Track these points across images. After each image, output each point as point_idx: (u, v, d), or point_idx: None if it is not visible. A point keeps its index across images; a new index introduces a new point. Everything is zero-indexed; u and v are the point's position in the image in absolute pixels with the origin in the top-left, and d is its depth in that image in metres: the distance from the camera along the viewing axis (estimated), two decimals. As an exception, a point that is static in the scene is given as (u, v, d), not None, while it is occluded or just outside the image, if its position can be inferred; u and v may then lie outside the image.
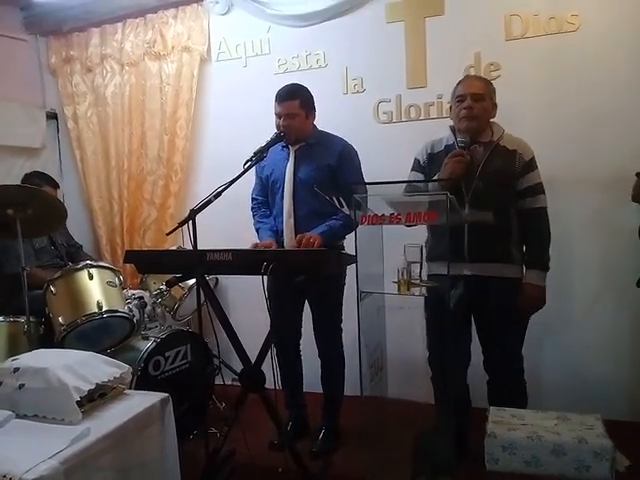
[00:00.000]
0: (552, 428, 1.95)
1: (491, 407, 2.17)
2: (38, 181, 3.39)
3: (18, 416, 1.82)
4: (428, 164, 2.51)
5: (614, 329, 3.00)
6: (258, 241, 2.79)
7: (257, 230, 2.90)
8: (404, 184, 2.40)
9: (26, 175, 3.54)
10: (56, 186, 3.54)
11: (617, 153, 2.86)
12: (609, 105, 2.90)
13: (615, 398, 2.95)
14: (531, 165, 2.40)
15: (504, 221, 2.37)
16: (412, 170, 2.58)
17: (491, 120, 2.47)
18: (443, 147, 2.50)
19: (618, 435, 1.91)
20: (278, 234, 2.82)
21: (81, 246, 3.79)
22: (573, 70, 2.96)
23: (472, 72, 3.12)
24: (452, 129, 2.50)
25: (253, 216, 2.98)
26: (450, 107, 2.53)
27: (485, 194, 2.32)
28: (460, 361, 2.48)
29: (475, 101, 2.38)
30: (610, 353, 3.00)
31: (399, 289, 2.13)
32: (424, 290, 2.15)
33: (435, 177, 2.40)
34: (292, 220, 2.76)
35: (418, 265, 2.16)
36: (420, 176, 2.52)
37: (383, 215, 2.05)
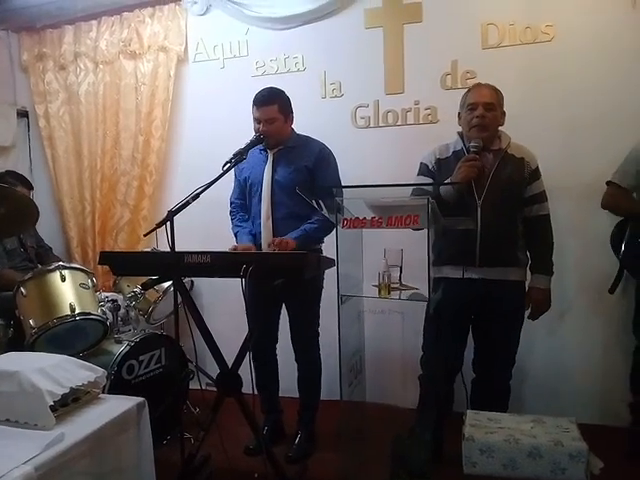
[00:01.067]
0: (528, 431, 1.98)
1: (468, 411, 2.19)
2: (12, 181, 3.33)
3: (-11, 421, 1.77)
4: (437, 169, 2.55)
5: (587, 334, 3.05)
6: (236, 244, 2.77)
7: (235, 234, 2.88)
8: (394, 188, 2.41)
9: (0, 174, 3.46)
10: (30, 187, 3.49)
11: (594, 160, 2.92)
12: (585, 113, 2.97)
13: (588, 402, 3.01)
14: (537, 173, 2.49)
15: (512, 226, 2.45)
16: (419, 174, 2.61)
17: (499, 128, 2.52)
18: (451, 153, 2.54)
19: (592, 438, 1.94)
20: (256, 237, 2.80)
21: (51, 248, 3.71)
22: (549, 79, 3.02)
23: (449, 80, 3.17)
24: (460, 135, 2.54)
25: (231, 220, 2.95)
26: (459, 114, 2.56)
27: (496, 200, 2.38)
28: (453, 363, 2.50)
29: (487, 110, 2.43)
30: (583, 358, 3.06)
31: (379, 292, 2.13)
32: (404, 294, 2.16)
33: (447, 181, 2.44)
34: (270, 222, 2.75)
35: (398, 269, 2.17)
36: (428, 180, 2.55)
37: (365, 218, 2.06)
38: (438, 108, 3.21)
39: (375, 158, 3.29)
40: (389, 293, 2.13)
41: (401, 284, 2.19)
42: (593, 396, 3.03)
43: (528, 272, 2.55)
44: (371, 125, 3.38)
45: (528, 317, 2.57)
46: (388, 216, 2.03)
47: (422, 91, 3.24)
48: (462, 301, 2.39)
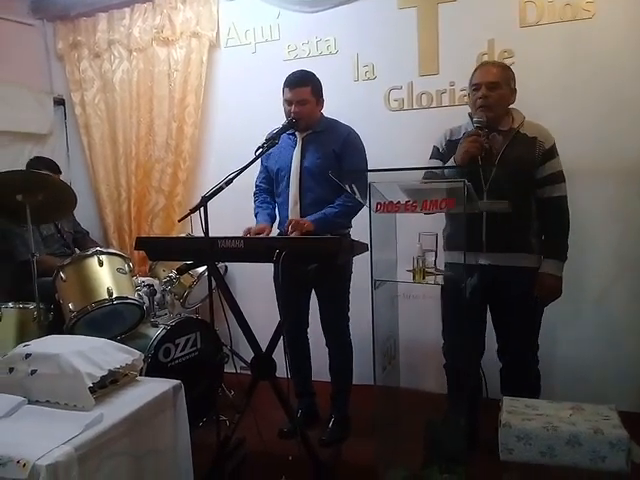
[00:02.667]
0: (567, 418, 1.94)
1: (504, 397, 2.15)
2: (40, 166, 3.37)
3: (30, 402, 1.82)
4: (447, 151, 2.49)
5: (627, 319, 2.97)
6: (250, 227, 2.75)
7: (255, 215, 2.88)
8: (421, 171, 2.37)
9: (35, 158, 3.54)
10: (59, 172, 3.52)
11: (635, 140, 2.82)
12: (626, 92, 2.86)
13: (628, 390, 2.93)
14: (552, 153, 2.38)
15: (523, 210, 2.36)
16: (431, 158, 2.56)
17: (511, 107, 2.44)
18: (462, 134, 2.46)
19: (632, 426, 1.89)
20: (281, 220, 2.81)
21: (87, 232, 3.78)
22: (589, 57, 2.93)
23: (485, 59, 3.08)
24: (470, 116, 2.47)
25: (254, 202, 2.96)
26: (468, 94, 2.50)
27: (504, 183, 2.30)
28: (475, 350, 2.46)
29: (490, 89, 2.35)
30: (622, 345, 2.98)
31: (414, 277, 2.10)
32: (439, 279, 2.12)
33: (450, 160, 2.38)
34: (298, 207, 2.74)
35: (433, 253, 2.14)
36: (439, 163, 2.49)
37: (398, 202, 2.02)
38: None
39: (409, 141, 3.24)
40: (424, 278, 2.10)
41: (436, 269, 2.15)
42: (633, 384, 2.95)
43: None
44: (405, 107, 3.33)
45: (537, 304, 2.45)
46: (423, 199, 1.99)
47: (457, 72, 3.16)
48: (474, 288, 2.28)
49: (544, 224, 2.42)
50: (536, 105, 2.85)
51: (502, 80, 2.38)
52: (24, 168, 3.32)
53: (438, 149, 2.54)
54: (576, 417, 1.94)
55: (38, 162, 3.46)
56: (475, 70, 2.47)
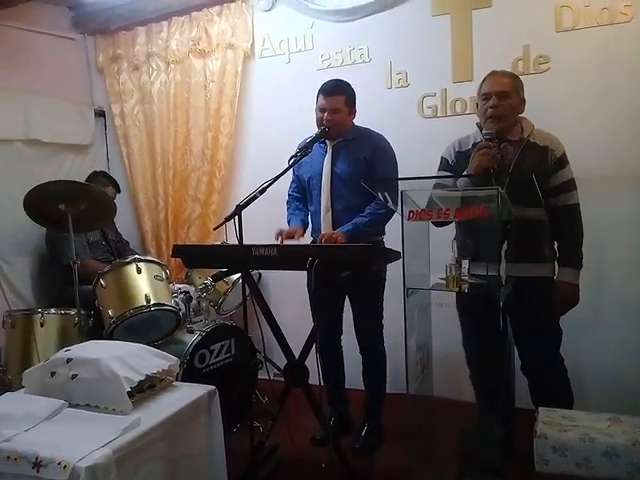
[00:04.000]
0: (605, 430, 1.90)
1: (540, 408, 2.12)
2: (104, 180, 3.59)
3: (71, 405, 1.87)
4: (457, 163, 2.47)
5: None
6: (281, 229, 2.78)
7: (288, 222, 2.92)
8: (433, 181, 2.36)
9: (94, 172, 3.71)
10: (118, 190, 3.69)
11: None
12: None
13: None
14: (563, 161, 2.35)
15: (537, 220, 2.33)
16: (440, 169, 2.54)
17: (520, 116, 2.41)
18: (471, 145, 2.44)
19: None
20: (314, 228, 2.84)
21: (128, 242, 3.90)
22: (626, 62, 2.86)
23: (520, 65, 3.06)
24: (479, 126, 2.45)
25: (287, 210, 3.00)
26: (477, 104, 2.48)
27: (518, 192, 2.25)
28: (499, 360, 2.42)
29: (500, 99, 2.33)
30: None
31: (447, 285, 2.10)
32: (465, 287, 2.11)
33: (464, 173, 2.35)
34: (329, 215, 2.76)
35: (467, 261, 2.12)
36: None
37: (431, 210, 2.02)
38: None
39: (442, 148, 3.19)
40: (456, 286, 2.09)
41: (470, 276, 2.14)
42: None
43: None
44: (438, 114, 3.32)
45: (554, 313, 2.41)
46: (456, 207, 1.99)
47: (492, 78, 3.14)
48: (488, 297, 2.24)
49: (558, 232, 2.40)
50: (571, 110, 2.82)
51: (512, 90, 2.36)
52: (68, 178, 3.43)
53: (447, 161, 2.52)
54: (614, 429, 1.90)
55: (101, 175, 3.67)
56: (484, 80, 2.45)
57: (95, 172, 3.72)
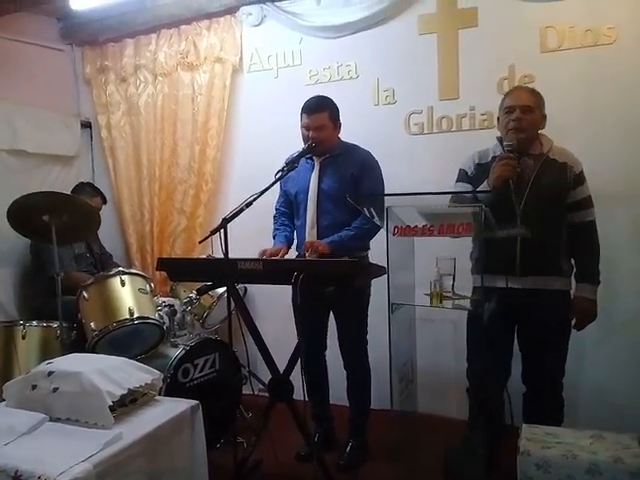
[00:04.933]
0: (587, 447, 1.91)
1: (524, 424, 2.13)
2: (91, 191, 3.59)
3: (51, 419, 1.85)
4: (476, 175, 2.48)
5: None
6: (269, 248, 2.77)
7: (273, 237, 2.92)
8: (438, 196, 2.37)
9: (81, 183, 3.70)
10: (105, 201, 3.70)
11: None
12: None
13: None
14: (581, 178, 2.40)
15: (555, 234, 2.37)
16: (458, 181, 2.55)
17: (540, 132, 2.45)
18: (490, 158, 2.47)
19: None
20: (299, 243, 2.84)
21: (111, 255, 3.88)
22: (610, 83, 2.92)
23: (505, 84, 3.10)
24: (499, 140, 2.48)
25: (273, 224, 3.00)
26: (497, 118, 2.52)
27: (537, 207, 2.30)
28: (499, 376, 2.44)
29: (524, 113, 2.36)
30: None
31: (431, 301, 2.11)
32: (461, 303, 2.12)
33: (483, 184, 2.37)
34: (315, 231, 2.76)
35: (451, 278, 2.14)
36: (467, 187, 2.48)
37: (416, 226, 2.04)
38: (495, 113, 3.11)
39: (429, 165, 3.26)
40: (441, 302, 2.10)
41: (454, 293, 2.15)
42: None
43: (573, 281, 2.44)
44: (425, 131, 3.35)
45: (573, 327, 2.46)
46: (440, 224, 2.00)
47: (478, 96, 3.18)
48: (504, 311, 2.28)
49: (576, 248, 2.43)
50: (557, 129, 2.84)
51: (535, 105, 2.40)
52: (53, 190, 3.41)
53: (466, 172, 2.53)
54: (596, 446, 1.91)
55: (88, 186, 3.67)
56: (507, 94, 2.49)
57: (82, 183, 3.71)
